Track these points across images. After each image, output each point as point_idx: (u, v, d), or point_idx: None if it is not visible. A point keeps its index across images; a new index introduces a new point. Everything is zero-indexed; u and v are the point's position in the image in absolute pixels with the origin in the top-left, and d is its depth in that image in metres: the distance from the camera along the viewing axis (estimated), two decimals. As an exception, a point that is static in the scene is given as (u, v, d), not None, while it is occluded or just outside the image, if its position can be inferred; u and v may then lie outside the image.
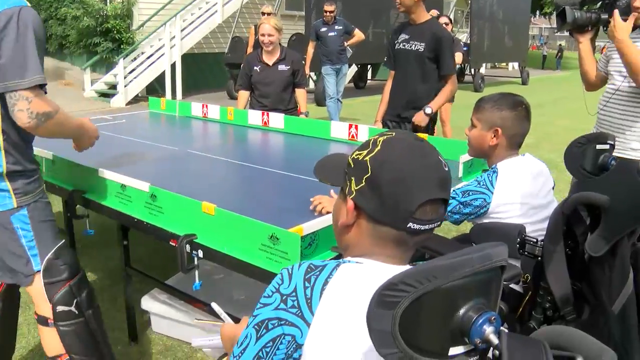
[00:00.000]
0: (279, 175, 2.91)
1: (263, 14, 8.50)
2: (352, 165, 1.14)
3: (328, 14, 8.64)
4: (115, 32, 14.30)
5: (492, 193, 2.16)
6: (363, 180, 1.10)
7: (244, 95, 4.77)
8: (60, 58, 16.28)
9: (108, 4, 14.91)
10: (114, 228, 3.26)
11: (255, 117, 4.25)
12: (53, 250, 2.09)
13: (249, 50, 8.63)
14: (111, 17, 14.21)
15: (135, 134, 4.14)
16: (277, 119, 4.11)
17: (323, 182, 1.31)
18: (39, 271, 2.08)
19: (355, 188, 1.12)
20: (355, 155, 1.15)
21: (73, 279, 2.13)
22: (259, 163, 3.12)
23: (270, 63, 4.61)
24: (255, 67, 4.64)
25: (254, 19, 16.12)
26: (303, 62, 4.93)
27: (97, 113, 11.55)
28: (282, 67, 4.62)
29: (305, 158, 3.44)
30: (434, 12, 6.73)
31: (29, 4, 1.90)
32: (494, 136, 2.23)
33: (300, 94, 4.76)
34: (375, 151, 1.11)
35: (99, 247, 4.07)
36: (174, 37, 14.24)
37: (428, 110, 3.84)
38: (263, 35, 4.51)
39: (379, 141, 1.13)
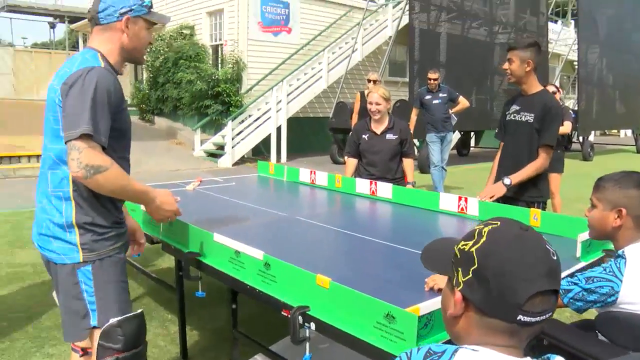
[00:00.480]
0: (387, 246, 2.87)
1: (369, 80, 8.64)
2: (459, 256, 1.14)
3: (432, 81, 8.67)
4: (225, 95, 15.02)
5: (621, 281, 2.02)
6: (470, 272, 1.10)
7: (352, 163, 4.81)
8: (174, 119, 17.24)
9: (219, 69, 15.73)
10: (223, 289, 3.32)
11: (363, 185, 4.26)
12: (118, 319, 2.10)
13: (354, 116, 8.75)
14: (222, 81, 14.96)
15: (245, 197, 4.26)
16: (385, 189, 4.10)
17: (431, 271, 1.30)
18: (95, 327, 2.10)
19: (463, 280, 1.11)
20: (462, 246, 1.14)
21: (126, 352, 2.11)
22: (367, 233, 3.09)
23: (379, 132, 4.64)
24: (363, 135, 4.69)
25: (358, 84, 16.47)
26: (411, 131, 4.93)
27: (205, 172, 12.06)
28: (390, 136, 4.64)
29: (414, 230, 3.39)
30: (550, 87, 6.57)
31: (102, 65, 2.06)
32: (618, 217, 2.10)
33: (408, 163, 4.74)
34: (480, 242, 1.10)
35: (207, 305, 4.14)
36: (280, 101, 14.77)
37: (507, 181, 3.67)
38: (371, 104, 4.57)
39: (485, 232, 1.12)
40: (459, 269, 1.13)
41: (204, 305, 4.10)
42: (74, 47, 24.80)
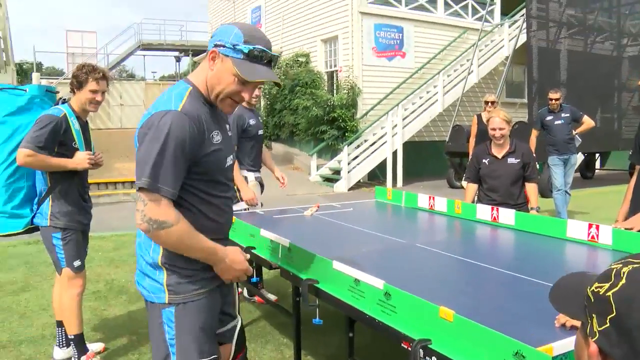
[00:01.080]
0: (511, 276, 2.72)
1: (486, 102, 8.42)
2: (592, 300, 0.97)
3: (553, 101, 8.28)
4: (340, 120, 15.20)
5: None
6: (607, 321, 0.93)
7: (472, 188, 4.70)
8: (290, 144, 17.66)
9: (335, 94, 15.95)
10: (338, 315, 3.30)
11: (483, 211, 4.11)
12: None
13: (472, 139, 8.54)
14: (337, 106, 15.16)
15: (363, 223, 4.23)
16: (507, 215, 3.93)
17: (561, 312, 1.14)
18: None
19: (598, 329, 0.95)
20: (596, 289, 0.97)
21: None
22: (489, 262, 2.96)
23: (500, 156, 4.50)
24: (484, 160, 4.57)
25: (474, 107, 16.12)
26: (534, 154, 4.73)
27: (321, 197, 12.21)
28: (512, 160, 4.48)
29: (540, 259, 3.20)
30: None
31: (180, 107, 1.95)
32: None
33: (531, 188, 4.55)
34: (619, 285, 0.93)
35: (322, 331, 4.13)
36: (395, 125, 14.73)
37: None
38: (494, 129, 4.44)
39: (624, 273, 0.94)
40: (594, 315, 0.96)
41: (319, 331, 4.09)
42: (198, 78, 26.18)
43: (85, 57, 25.52)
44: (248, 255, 2.29)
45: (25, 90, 3.78)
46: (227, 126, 2.27)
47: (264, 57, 2.01)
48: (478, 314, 2.05)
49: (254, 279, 3.27)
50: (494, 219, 4.00)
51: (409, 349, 1.93)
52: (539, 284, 2.51)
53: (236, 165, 4.72)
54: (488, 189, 4.58)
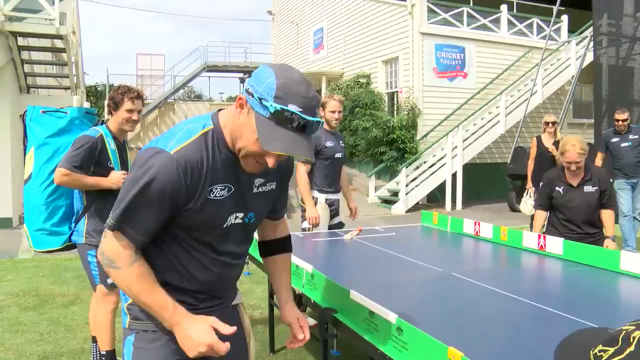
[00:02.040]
0: (550, 314, 2.49)
1: (547, 123, 8.10)
2: None
3: (620, 122, 7.87)
4: (400, 142, 15.02)
5: None
6: None
7: (541, 215, 4.58)
8: (349, 165, 17.59)
9: (395, 115, 15.80)
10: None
11: (530, 239, 3.88)
12: None
13: (530, 163, 8.22)
14: (397, 128, 15.00)
15: (402, 249, 4.07)
16: (554, 244, 3.68)
17: None
18: None
19: None
20: (599, 352, 0.88)
21: None
22: (530, 297, 2.73)
23: (575, 184, 4.36)
24: (557, 188, 4.43)
25: (538, 128, 15.56)
26: (611, 180, 4.48)
27: (377, 219, 12.02)
28: (588, 188, 4.33)
29: (588, 295, 2.94)
30: None
31: (175, 151, 1.67)
32: None
33: (608, 215, 4.37)
34: (625, 353, 0.84)
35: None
36: (456, 147, 14.43)
37: None
38: (569, 163, 4.31)
39: (634, 338, 0.85)
40: None
41: (354, 359, 3.94)
42: (261, 99, 26.61)
43: (154, 79, 26.41)
44: (232, 329, 1.77)
45: (66, 113, 3.90)
46: (262, 182, 1.89)
47: (295, 121, 1.58)
48: (498, 356, 1.88)
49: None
50: (541, 247, 3.75)
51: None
52: (581, 325, 2.29)
53: (306, 184, 4.92)
54: (565, 220, 4.42)
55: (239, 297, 2.14)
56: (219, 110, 1.82)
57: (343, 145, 5.25)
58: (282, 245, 2.22)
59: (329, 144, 4.95)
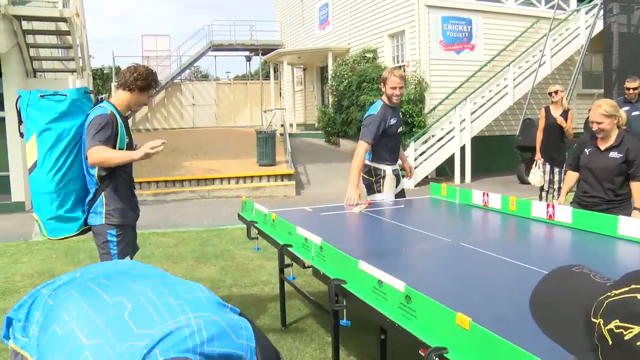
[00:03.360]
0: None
1: (549, 93, 8.08)
2: (610, 342, 0.72)
3: (631, 91, 7.77)
4: (408, 116, 14.92)
5: None
6: None
7: (571, 176, 4.70)
8: (357, 141, 17.50)
9: (403, 90, 15.68)
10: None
11: (538, 209, 3.88)
12: None
13: (539, 133, 8.18)
14: (404, 102, 14.89)
15: (411, 221, 4.09)
16: (563, 213, 3.68)
17: (554, 341, 0.86)
18: None
19: None
20: (616, 329, 0.72)
21: None
22: (538, 264, 2.75)
23: (602, 148, 4.35)
24: (586, 149, 4.48)
25: (547, 99, 15.40)
26: None
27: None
28: (613, 154, 4.30)
29: (594, 261, 2.96)
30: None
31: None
32: None
33: (636, 187, 4.32)
34: None
35: (366, 331, 4.00)
36: (464, 120, 14.34)
37: None
38: (592, 122, 4.32)
39: None
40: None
41: (362, 330, 3.97)
42: (267, 76, 26.49)
43: (160, 60, 26.31)
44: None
45: (66, 95, 3.80)
46: None
47: None
48: (511, 323, 1.90)
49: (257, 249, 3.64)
50: (550, 216, 3.76)
51: (424, 356, 1.79)
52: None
53: (360, 164, 5.09)
54: (583, 180, 4.49)
55: None
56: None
57: (401, 118, 5.48)
58: None
59: (392, 121, 5.12)
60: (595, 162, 4.38)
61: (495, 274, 2.73)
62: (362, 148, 5.08)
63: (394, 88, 5.03)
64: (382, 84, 5.21)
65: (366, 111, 5.35)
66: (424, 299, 1.93)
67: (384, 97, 5.15)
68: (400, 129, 5.39)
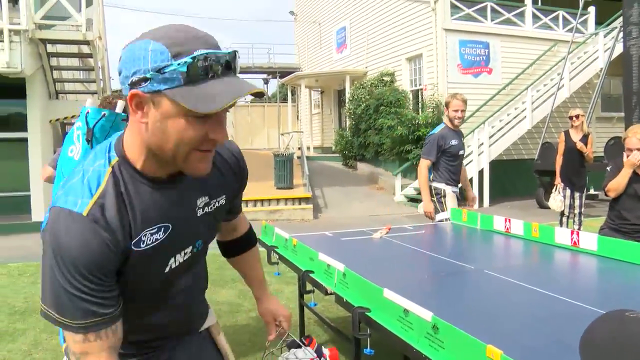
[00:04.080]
0: (588, 311, 2.47)
1: (570, 117, 8.04)
2: None
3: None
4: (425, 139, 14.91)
5: None
6: None
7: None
8: (375, 164, 17.53)
9: (420, 113, 15.71)
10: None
11: (562, 235, 3.83)
12: None
13: (559, 158, 8.12)
14: (422, 125, 14.92)
15: (432, 247, 4.06)
16: (589, 240, 3.63)
17: None
18: None
19: None
20: None
21: None
22: (564, 293, 2.70)
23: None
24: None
25: (566, 123, 15.31)
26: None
27: (404, 218, 11.98)
28: None
29: (624, 292, 2.90)
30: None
31: (87, 211, 1.24)
32: None
33: None
34: None
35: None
36: (482, 143, 14.30)
37: None
38: (630, 150, 4.34)
39: None
40: None
41: (387, 358, 3.93)
42: (284, 99, 26.67)
43: (179, 82, 26.63)
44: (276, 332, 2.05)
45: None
46: (206, 201, 1.50)
47: (214, 65, 1.18)
48: (535, 354, 1.86)
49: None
50: (574, 243, 3.70)
51: (456, 389, 1.76)
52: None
53: (426, 179, 5.61)
54: (621, 207, 4.45)
55: (210, 319, 1.83)
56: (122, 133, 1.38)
57: (463, 142, 5.84)
58: (247, 242, 2.03)
59: (453, 142, 5.52)
60: (636, 189, 4.37)
61: (521, 302, 2.69)
62: (422, 165, 5.62)
63: (456, 111, 5.50)
64: (445, 107, 5.72)
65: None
66: (452, 329, 1.90)
67: (446, 120, 5.64)
68: (462, 152, 5.73)
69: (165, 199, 1.36)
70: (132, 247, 1.31)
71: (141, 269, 1.36)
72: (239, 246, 2.02)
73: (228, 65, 1.20)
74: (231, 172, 1.62)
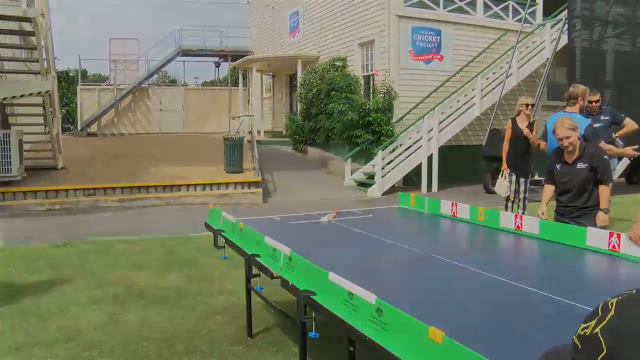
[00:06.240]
0: (524, 291, 2.51)
1: (526, 105, 8.18)
2: (580, 347, 0.84)
3: (593, 104, 7.92)
4: (376, 125, 15.00)
5: None
6: None
7: (548, 189, 4.85)
8: (325, 149, 17.53)
9: (371, 98, 15.77)
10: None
11: (507, 220, 3.89)
12: None
13: (505, 144, 8.28)
14: (373, 111, 14.97)
15: (380, 231, 4.06)
16: (530, 223, 3.70)
17: None
18: None
19: None
20: (582, 331, 0.85)
21: None
22: (507, 275, 2.74)
23: (570, 161, 4.54)
24: (556, 165, 4.66)
25: (513, 110, 15.61)
26: (605, 157, 4.57)
27: (354, 202, 12.03)
28: (580, 165, 4.50)
29: (561, 273, 2.97)
30: None
31: None
32: None
33: (602, 190, 4.53)
34: (607, 319, 0.81)
35: (324, 345, 3.94)
36: (431, 129, 14.45)
37: None
38: (561, 139, 4.42)
39: (611, 304, 0.83)
40: None
41: (332, 340, 3.92)
42: (236, 83, 26.39)
43: (127, 64, 25.98)
44: None
45: None
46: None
47: None
48: (477, 335, 1.87)
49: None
50: (517, 227, 3.77)
51: (399, 371, 1.76)
52: (560, 303, 2.30)
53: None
54: (559, 193, 4.67)
55: None
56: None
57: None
58: None
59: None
60: (567, 175, 4.56)
61: (465, 285, 2.71)
62: None
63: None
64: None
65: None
66: (395, 312, 1.89)
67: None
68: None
69: None
70: None
71: None
72: None
73: None
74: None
